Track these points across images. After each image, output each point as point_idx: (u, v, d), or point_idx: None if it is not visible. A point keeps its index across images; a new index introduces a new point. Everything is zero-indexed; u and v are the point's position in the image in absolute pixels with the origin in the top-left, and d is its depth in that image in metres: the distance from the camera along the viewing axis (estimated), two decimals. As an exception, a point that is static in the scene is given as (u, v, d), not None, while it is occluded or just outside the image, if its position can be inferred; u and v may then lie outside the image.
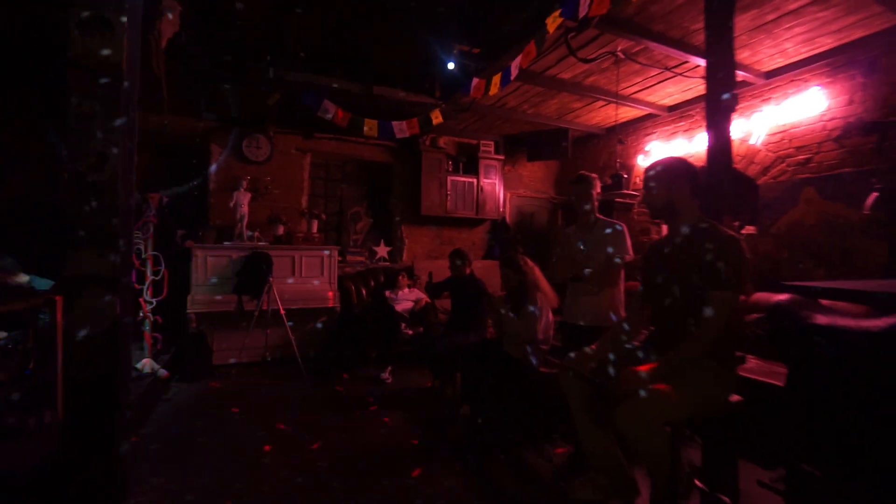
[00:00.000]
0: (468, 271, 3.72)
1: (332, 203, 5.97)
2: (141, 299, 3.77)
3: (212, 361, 4.35)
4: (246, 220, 4.76)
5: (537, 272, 3.10)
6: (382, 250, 5.88)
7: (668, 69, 4.01)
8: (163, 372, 3.64)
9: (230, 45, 4.01)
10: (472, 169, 6.17)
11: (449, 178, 5.98)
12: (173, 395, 3.74)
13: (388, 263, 5.85)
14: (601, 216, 2.82)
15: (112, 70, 2.05)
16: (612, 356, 1.79)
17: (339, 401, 3.67)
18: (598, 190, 2.80)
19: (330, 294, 4.81)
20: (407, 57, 4.61)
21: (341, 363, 4.53)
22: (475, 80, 4.04)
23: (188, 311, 4.21)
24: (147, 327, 3.71)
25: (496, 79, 3.77)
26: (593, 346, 1.89)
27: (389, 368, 4.24)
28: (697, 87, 4.38)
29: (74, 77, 2.03)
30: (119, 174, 2.15)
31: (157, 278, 3.92)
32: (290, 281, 4.75)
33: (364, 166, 6.10)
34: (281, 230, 4.98)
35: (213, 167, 5.08)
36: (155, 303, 3.81)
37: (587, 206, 2.77)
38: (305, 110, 4.36)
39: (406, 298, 5.01)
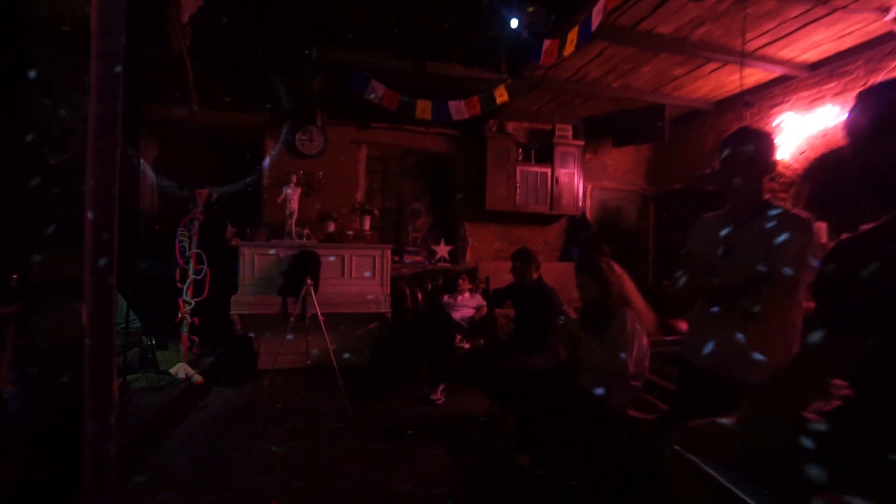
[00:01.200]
0: (535, 276, 3.00)
1: (390, 199, 5.53)
2: (180, 300, 3.57)
3: (256, 366, 4.08)
4: (295, 217, 4.46)
5: (627, 281, 2.30)
6: (443, 250, 5.32)
7: (822, 2, 2.90)
8: (197, 378, 3.40)
9: (271, 27, 3.68)
10: (545, 157, 5.36)
11: (518, 169, 5.23)
12: (211, 401, 3.49)
13: (448, 265, 5.27)
14: (769, 200, 1.58)
15: (78, 32, 1.68)
16: (779, 443, 0.99)
17: (380, 422, 3.15)
18: (770, 156, 1.57)
19: (381, 297, 4.33)
20: (465, 27, 3.99)
21: (389, 377, 4.03)
22: (546, 43, 3.30)
23: (232, 312, 3.97)
24: (185, 329, 3.50)
25: (572, 35, 2.99)
26: (734, 417, 1.10)
27: (442, 387, 3.64)
28: (866, 27, 3.18)
29: (35, 39, 1.70)
30: (98, 156, 1.79)
31: (198, 277, 3.72)
32: (340, 282, 4.36)
33: (424, 158, 5.58)
34: (332, 227, 4.63)
35: (267, 162, 4.88)
36: (194, 303, 3.60)
37: (738, 182, 1.56)
38: (359, 99, 3.91)
39: (466, 305, 4.38)
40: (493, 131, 5.22)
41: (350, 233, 4.55)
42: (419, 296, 4.77)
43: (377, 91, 3.76)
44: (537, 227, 5.65)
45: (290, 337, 3.54)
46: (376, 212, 4.79)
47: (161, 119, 4.64)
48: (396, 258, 5.10)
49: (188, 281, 3.63)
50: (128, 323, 3.35)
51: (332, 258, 4.34)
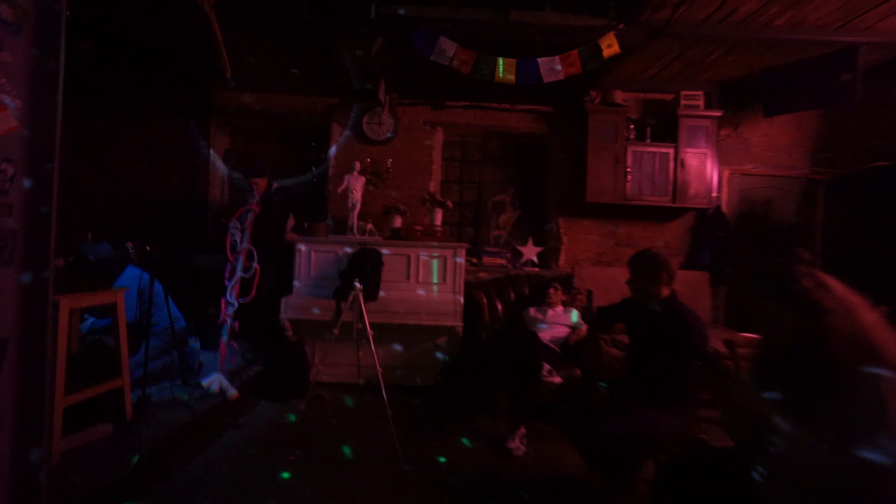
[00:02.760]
0: (666, 292, 1.99)
1: (469, 190, 4.76)
2: (223, 299, 3.17)
3: (308, 379, 3.57)
4: (358, 210, 3.90)
5: (864, 312, 1.24)
6: (530, 251, 4.40)
7: None
8: (232, 392, 2.95)
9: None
10: (666, 135, 4.17)
11: (629, 150, 4.12)
12: (252, 418, 3.03)
13: (537, 269, 4.35)
14: None
15: None
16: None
17: (435, 475, 2.38)
18: None
19: (452, 307, 3.58)
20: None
21: (458, 406, 3.24)
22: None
23: (282, 316, 3.51)
24: (225, 334, 3.08)
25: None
26: None
27: (522, 431, 2.76)
28: None
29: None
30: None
31: (246, 276, 3.29)
32: (404, 286, 3.69)
33: (510, 142, 4.72)
34: (398, 222, 3.99)
35: (333, 149, 4.42)
36: (237, 304, 3.17)
37: None
38: (431, 71, 3.21)
39: (558, 322, 3.44)
40: (595, 103, 4.17)
41: (419, 228, 3.87)
42: (499, 307, 3.92)
43: (447, 50, 3.00)
44: (653, 224, 4.46)
45: (335, 341, 2.95)
46: (450, 204, 4.04)
47: (231, 106, 4.42)
48: (473, 260, 4.31)
49: (233, 279, 3.23)
50: (172, 323, 3.03)
51: (395, 257, 3.70)
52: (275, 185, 3.90)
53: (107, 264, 2.91)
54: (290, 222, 3.94)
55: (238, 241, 3.39)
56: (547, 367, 3.01)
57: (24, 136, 1.34)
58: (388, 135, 4.36)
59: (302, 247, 3.72)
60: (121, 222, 3.94)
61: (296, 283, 3.70)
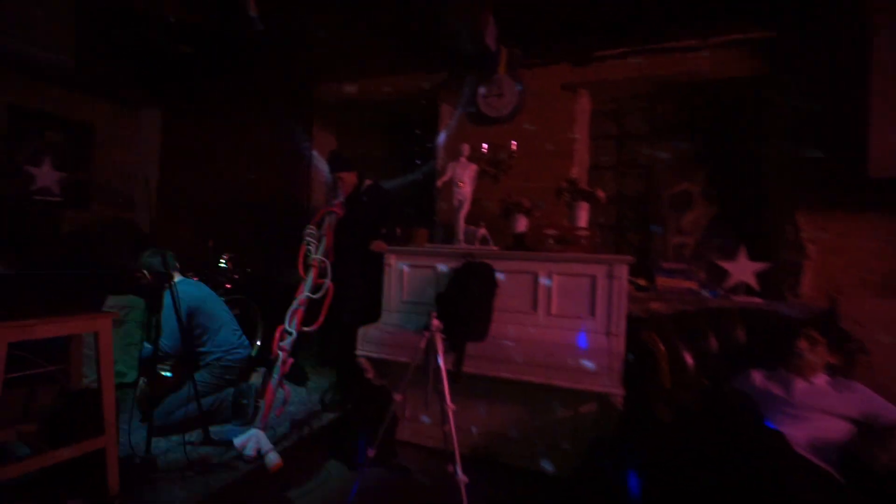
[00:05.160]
0: None
1: (632, 179, 3.28)
2: (279, 329, 2.39)
3: (394, 436, 2.58)
4: (466, 209, 2.82)
5: None
6: (743, 269, 2.69)
7: None
8: (273, 458, 2.09)
9: None
10: None
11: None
12: (309, 491, 2.13)
13: (757, 299, 2.61)
14: None
15: None
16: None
17: None
18: None
19: (606, 359, 2.18)
20: None
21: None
22: None
23: (359, 352, 2.60)
24: (275, 375, 2.27)
25: None
26: None
27: None
28: None
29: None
30: None
31: (315, 296, 2.49)
32: (526, 320, 2.45)
33: (699, 99, 3.09)
34: (522, 225, 2.77)
35: (442, 136, 3.46)
36: (296, 334, 2.36)
37: None
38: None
39: (821, 407, 1.77)
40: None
41: (552, 233, 2.59)
42: (688, 361, 2.35)
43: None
44: None
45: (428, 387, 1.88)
46: (602, 195, 2.64)
47: (333, 98, 3.86)
48: (641, 281, 2.82)
49: (296, 301, 2.45)
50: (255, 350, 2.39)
51: (514, 276, 2.49)
52: (367, 181, 3.10)
53: (156, 279, 2.41)
54: (382, 229, 3.08)
55: (312, 250, 2.64)
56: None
57: None
58: (512, 109, 3.21)
59: (392, 260, 2.80)
60: (220, 232, 3.65)
61: (384, 309, 2.78)
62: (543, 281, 2.45)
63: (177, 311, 2.20)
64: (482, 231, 2.83)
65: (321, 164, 4.00)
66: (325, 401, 2.89)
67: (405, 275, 2.77)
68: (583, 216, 2.64)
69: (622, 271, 2.32)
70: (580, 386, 2.16)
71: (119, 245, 3.80)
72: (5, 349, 1.40)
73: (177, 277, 2.52)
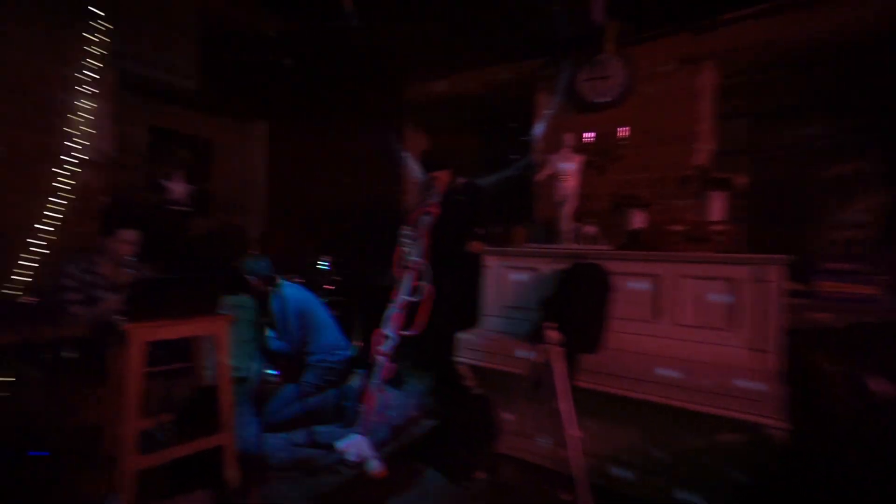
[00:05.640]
0: None
1: (774, 162, 2.75)
2: (376, 331, 2.33)
3: (491, 449, 2.40)
4: (571, 205, 2.55)
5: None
6: (941, 270, 2.08)
7: None
8: (375, 465, 2.02)
9: None
10: None
11: None
12: (407, 500, 2.04)
13: (966, 308, 1.99)
14: None
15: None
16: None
17: None
18: None
19: (761, 380, 1.78)
20: None
21: None
22: None
23: (458, 359, 2.46)
24: (375, 380, 2.22)
25: None
26: None
27: None
28: None
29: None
30: None
31: (413, 299, 2.41)
32: (649, 329, 2.12)
33: (861, 62, 2.49)
34: (638, 220, 2.44)
35: (539, 128, 3.22)
36: (394, 339, 2.29)
37: None
38: None
39: None
40: None
41: (677, 229, 2.22)
42: (867, 386, 1.85)
43: None
44: None
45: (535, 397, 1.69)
46: (741, 181, 2.21)
47: (423, 97, 3.81)
48: (799, 286, 2.32)
49: (393, 305, 2.38)
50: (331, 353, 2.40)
51: (631, 279, 2.18)
52: (460, 179, 2.97)
53: (262, 282, 2.50)
54: (480, 230, 2.93)
55: (409, 252, 2.58)
56: None
57: None
58: (619, 91, 2.87)
59: (491, 262, 2.63)
60: (322, 235, 3.79)
61: (483, 314, 2.62)
62: (668, 285, 2.10)
63: (284, 312, 2.25)
64: (591, 229, 2.54)
65: (413, 165, 3.98)
66: (422, 405, 2.81)
67: (505, 277, 2.58)
68: (717, 208, 2.23)
69: (774, 274, 1.90)
70: (720, 410, 1.79)
71: (233, 249, 4.13)
72: (145, 347, 1.49)
73: (280, 280, 2.61)
